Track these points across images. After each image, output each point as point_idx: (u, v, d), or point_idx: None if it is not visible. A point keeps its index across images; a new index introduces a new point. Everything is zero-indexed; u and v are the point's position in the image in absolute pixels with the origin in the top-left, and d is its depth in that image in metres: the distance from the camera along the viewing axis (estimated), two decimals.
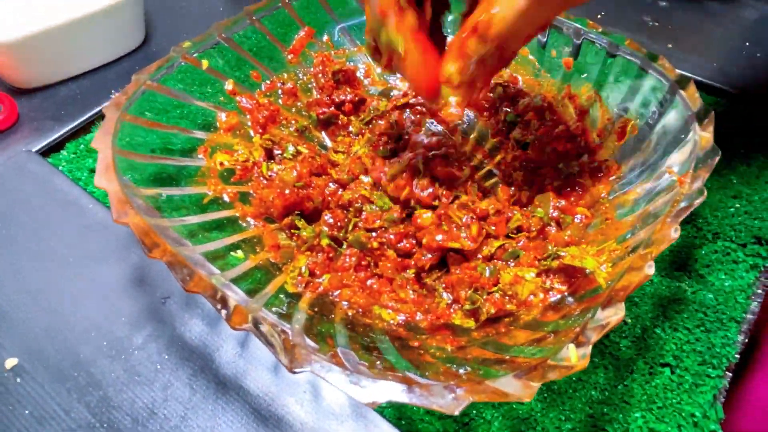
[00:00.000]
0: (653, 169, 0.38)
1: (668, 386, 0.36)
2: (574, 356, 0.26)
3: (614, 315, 0.27)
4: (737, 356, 0.37)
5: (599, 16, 0.62)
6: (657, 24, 0.61)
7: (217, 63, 0.45)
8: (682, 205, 0.32)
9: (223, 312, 0.28)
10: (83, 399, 0.35)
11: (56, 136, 0.52)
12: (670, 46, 0.58)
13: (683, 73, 0.55)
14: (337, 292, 0.36)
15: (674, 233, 0.30)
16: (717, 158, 0.34)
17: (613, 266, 0.32)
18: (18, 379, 0.36)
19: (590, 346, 0.26)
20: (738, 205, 0.44)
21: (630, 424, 0.34)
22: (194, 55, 0.43)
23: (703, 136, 0.36)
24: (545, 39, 0.47)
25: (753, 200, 0.44)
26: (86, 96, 0.56)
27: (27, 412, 0.35)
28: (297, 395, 0.35)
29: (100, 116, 0.55)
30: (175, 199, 0.38)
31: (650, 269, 0.29)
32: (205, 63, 0.44)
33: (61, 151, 0.51)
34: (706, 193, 0.32)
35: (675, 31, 0.60)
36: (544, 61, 0.47)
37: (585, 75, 0.45)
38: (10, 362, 0.37)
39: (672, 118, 0.39)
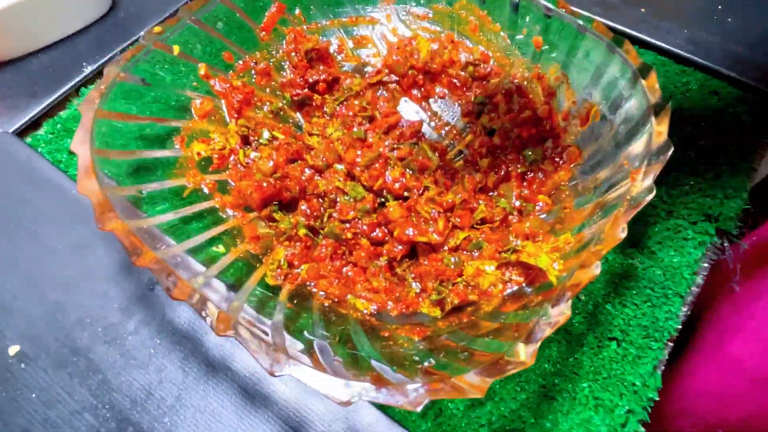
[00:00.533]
0: (612, 157, 0.40)
1: (614, 358, 0.40)
2: (523, 354, 0.29)
3: (561, 314, 0.30)
4: (678, 329, 0.41)
5: None
6: None
7: (187, 46, 0.45)
8: (633, 202, 0.34)
9: (208, 319, 0.30)
10: (85, 383, 0.38)
11: (32, 114, 0.52)
12: (643, 10, 0.58)
13: (658, 42, 0.56)
14: (314, 282, 0.39)
15: (621, 233, 0.33)
16: (669, 153, 0.36)
17: (565, 261, 0.35)
18: (22, 365, 0.39)
19: (538, 344, 0.29)
20: (692, 183, 0.47)
21: (578, 393, 0.39)
22: (165, 41, 0.43)
23: (657, 130, 0.37)
24: (517, 1, 0.46)
25: (707, 177, 0.47)
26: (58, 68, 0.55)
27: (34, 395, 0.38)
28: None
29: (75, 91, 0.55)
30: (155, 194, 0.40)
31: (597, 269, 0.31)
32: (176, 48, 0.43)
33: (39, 131, 0.51)
34: (654, 191, 0.34)
35: None
36: (515, 38, 0.48)
37: (554, 54, 0.46)
38: (13, 349, 0.39)
39: (632, 106, 0.40)
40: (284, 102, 0.48)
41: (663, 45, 0.55)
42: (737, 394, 0.46)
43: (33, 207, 0.46)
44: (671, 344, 0.41)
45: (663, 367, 0.40)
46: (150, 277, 0.43)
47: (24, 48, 0.56)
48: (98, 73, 0.56)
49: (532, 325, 0.30)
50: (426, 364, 0.32)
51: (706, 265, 0.44)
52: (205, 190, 0.41)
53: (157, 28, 0.43)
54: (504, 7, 0.47)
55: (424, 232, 0.38)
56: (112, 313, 0.41)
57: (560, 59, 0.45)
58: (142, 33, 0.58)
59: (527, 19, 0.46)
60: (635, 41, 0.56)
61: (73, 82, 0.54)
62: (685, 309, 0.42)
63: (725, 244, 0.45)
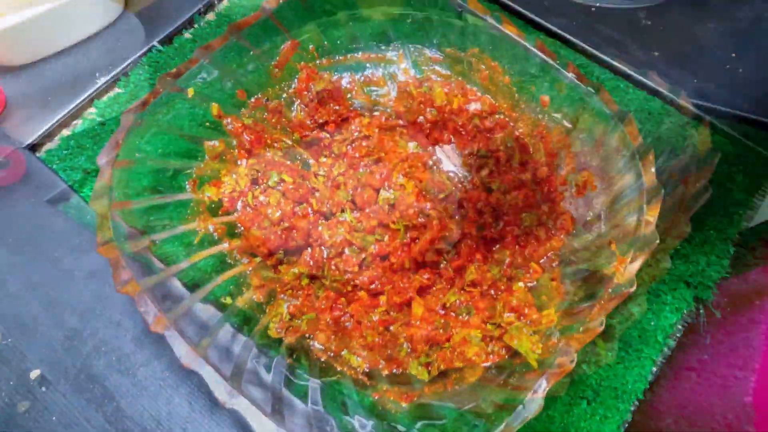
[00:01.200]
0: (601, 233, 0.42)
1: (582, 416, 0.44)
2: None
3: (536, 404, 0.34)
4: (645, 390, 0.45)
5: (593, 9, 0.61)
6: (650, 23, 0.60)
7: (203, 87, 0.46)
8: (614, 293, 0.37)
9: (215, 393, 0.34)
10: (101, 409, 0.42)
11: (46, 127, 0.53)
12: (656, 54, 0.58)
13: (666, 93, 0.56)
14: (312, 335, 0.42)
15: (599, 326, 0.36)
16: (655, 244, 0.38)
17: (545, 343, 0.38)
18: (43, 389, 0.43)
19: None
20: (678, 247, 0.49)
21: None
22: (181, 84, 0.44)
23: (647, 219, 0.39)
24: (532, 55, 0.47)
25: (693, 242, 0.49)
26: (71, 77, 0.56)
27: (54, 418, 0.42)
28: None
29: (89, 102, 0.56)
30: (167, 241, 0.42)
31: (572, 363, 0.34)
32: (190, 91, 0.44)
33: (53, 145, 0.53)
34: (635, 285, 0.37)
35: (666, 33, 0.59)
36: (522, 91, 0.48)
37: (559, 116, 0.47)
38: (34, 373, 0.43)
39: (627, 185, 0.42)
40: (293, 140, 0.50)
41: (670, 95, 0.56)
42: (722, 413, 0.50)
43: (50, 231, 0.48)
44: (638, 402, 0.45)
45: (626, 425, 0.44)
46: None
47: (37, 54, 0.56)
48: (112, 83, 0.56)
49: (511, 415, 0.33)
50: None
51: (679, 326, 0.47)
52: (215, 236, 0.44)
53: (174, 71, 0.44)
54: (515, 61, 0.47)
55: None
56: (126, 343, 0.44)
57: (565, 122, 0.46)
58: (154, 42, 0.58)
59: (538, 76, 0.47)
60: (644, 87, 0.57)
61: (86, 94, 0.55)
62: (654, 370, 0.46)
63: (700, 311, 0.48)
